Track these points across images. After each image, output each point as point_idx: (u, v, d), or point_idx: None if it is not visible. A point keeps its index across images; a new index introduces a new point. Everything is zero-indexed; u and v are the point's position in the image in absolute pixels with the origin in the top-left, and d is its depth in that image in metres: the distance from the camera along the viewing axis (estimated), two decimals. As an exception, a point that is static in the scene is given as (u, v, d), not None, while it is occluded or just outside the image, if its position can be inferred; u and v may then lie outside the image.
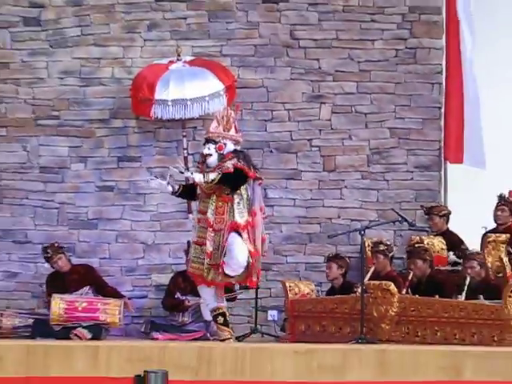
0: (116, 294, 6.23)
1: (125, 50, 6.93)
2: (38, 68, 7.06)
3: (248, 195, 5.16)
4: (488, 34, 7.97)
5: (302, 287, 6.32)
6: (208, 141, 5.04)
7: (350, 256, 6.29)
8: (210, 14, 7.09)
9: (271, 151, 6.96)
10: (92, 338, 5.80)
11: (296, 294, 6.30)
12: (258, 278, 5.43)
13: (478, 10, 7.84)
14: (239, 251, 4.95)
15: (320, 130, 7.02)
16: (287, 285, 6.30)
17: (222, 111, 5.28)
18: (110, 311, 6.01)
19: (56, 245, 6.38)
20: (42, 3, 7.08)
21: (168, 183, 5.22)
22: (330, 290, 6.51)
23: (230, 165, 4.89)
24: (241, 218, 5.09)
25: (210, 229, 5.00)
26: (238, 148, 5.13)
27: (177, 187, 5.26)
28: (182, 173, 5.20)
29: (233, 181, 4.97)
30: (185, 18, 7.08)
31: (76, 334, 5.82)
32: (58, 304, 5.95)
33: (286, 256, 6.81)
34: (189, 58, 6.65)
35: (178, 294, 6.37)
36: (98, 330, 5.92)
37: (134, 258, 6.91)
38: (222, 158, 4.95)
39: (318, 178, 7.04)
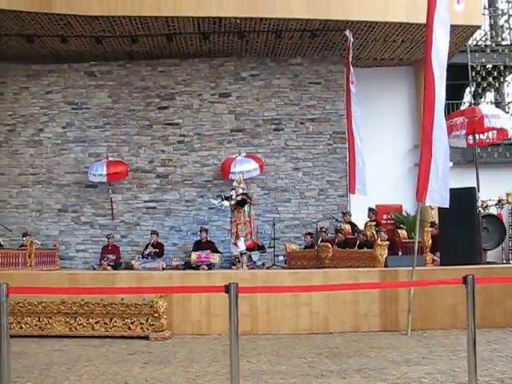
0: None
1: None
2: None
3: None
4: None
5: (293, 246, 12.94)
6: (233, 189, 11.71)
7: (313, 233, 12.98)
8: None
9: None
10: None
11: (290, 248, 12.40)
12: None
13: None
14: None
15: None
16: (286, 245, 12.32)
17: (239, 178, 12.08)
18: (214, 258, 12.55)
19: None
20: None
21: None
22: (305, 247, 12.40)
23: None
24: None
25: None
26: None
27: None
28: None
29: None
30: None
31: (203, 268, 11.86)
32: (195, 255, 12.51)
33: (286, 233, 13.86)
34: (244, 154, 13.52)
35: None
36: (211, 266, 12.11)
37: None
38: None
39: (302, 201, 13.97)
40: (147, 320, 8.49)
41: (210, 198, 13.33)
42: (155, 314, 8.44)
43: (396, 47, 14.58)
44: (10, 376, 4.92)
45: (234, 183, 12.07)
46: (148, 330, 8.48)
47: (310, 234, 12.52)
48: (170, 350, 7.69)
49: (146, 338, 8.40)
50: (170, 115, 14.51)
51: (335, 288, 8.42)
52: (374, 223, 12.04)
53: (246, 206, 11.68)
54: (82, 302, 8.59)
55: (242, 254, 11.51)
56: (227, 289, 4.54)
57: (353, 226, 12.60)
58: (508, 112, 18.43)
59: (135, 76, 14.60)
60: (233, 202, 11.60)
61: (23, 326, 8.70)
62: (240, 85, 14.55)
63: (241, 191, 11.73)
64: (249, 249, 12.24)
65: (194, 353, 7.43)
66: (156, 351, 7.57)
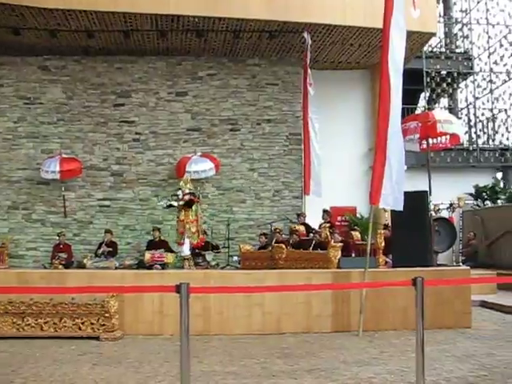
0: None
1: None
2: None
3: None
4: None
5: (247, 246, 12.86)
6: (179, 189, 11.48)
7: (267, 233, 12.96)
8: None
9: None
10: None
11: (245, 249, 12.19)
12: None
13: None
14: None
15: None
16: (241, 245, 12.18)
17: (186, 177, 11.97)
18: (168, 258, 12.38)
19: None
20: None
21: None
22: (260, 248, 12.19)
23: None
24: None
25: None
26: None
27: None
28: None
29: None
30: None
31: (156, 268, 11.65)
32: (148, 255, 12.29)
33: (240, 234, 13.86)
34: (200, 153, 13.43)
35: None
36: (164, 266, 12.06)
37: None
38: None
39: (257, 202, 14.00)
40: (98, 320, 8.35)
41: (158, 202, 13.16)
42: (106, 314, 8.30)
43: (353, 51, 14.76)
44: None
45: (181, 183, 11.99)
46: (99, 330, 8.34)
47: (264, 234, 12.50)
48: (121, 350, 7.58)
49: (97, 338, 8.26)
50: (126, 113, 14.34)
51: (288, 289, 8.43)
52: (328, 225, 12.08)
53: (194, 205, 11.62)
54: (31, 302, 8.39)
55: (185, 258, 11.45)
56: (178, 289, 4.48)
57: (307, 227, 12.64)
58: (461, 118, 18.91)
59: (91, 72, 14.38)
60: (181, 203, 11.53)
61: (-32, 326, 8.46)
62: (197, 84, 14.49)
63: (187, 191, 11.69)
64: (200, 248, 12.27)
65: (145, 353, 7.34)
66: (106, 352, 7.45)
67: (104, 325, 8.34)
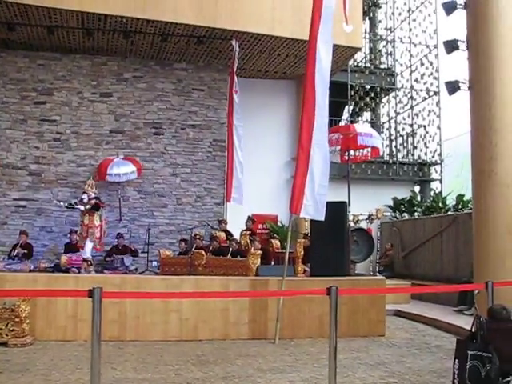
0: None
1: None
2: None
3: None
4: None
5: (167, 252, 12.73)
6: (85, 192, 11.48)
7: (187, 239, 12.86)
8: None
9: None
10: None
11: (164, 254, 11.99)
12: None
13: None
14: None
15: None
16: (160, 251, 11.97)
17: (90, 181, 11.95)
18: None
19: None
20: None
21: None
22: (179, 254, 12.16)
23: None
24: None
25: None
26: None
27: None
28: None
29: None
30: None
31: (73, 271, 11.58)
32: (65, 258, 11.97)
33: (161, 239, 13.72)
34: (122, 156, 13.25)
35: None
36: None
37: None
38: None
39: (178, 207, 13.85)
40: (7, 325, 8.04)
41: (56, 200, 12.90)
42: (16, 319, 8.02)
43: (280, 61, 14.92)
44: None
45: (86, 186, 11.86)
46: (7, 335, 8.03)
47: (184, 240, 12.43)
48: (31, 357, 7.35)
49: (5, 344, 7.95)
50: (47, 111, 13.92)
51: (205, 296, 8.40)
52: (248, 232, 12.20)
53: (99, 210, 11.55)
54: None
55: (85, 259, 11.27)
56: (91, 293, 4.38)
57: (228, 233, 12.67)
58: (382, 132, 19.45)
59: (10, 66, 13.87)
60: (87, 207, 11.39)
61: None
62: (122, 85, 14.26)
63: (93, 195, 11.57)
64: (119, 252, 12.45)
65: (56, 360, 7.15)
66: (15, 359, 7.20)
67: (13, 330, 8.05)
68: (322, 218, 8.62)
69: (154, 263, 12.33)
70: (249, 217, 13.00)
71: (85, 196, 11.50)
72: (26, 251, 12.17)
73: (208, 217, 14.02)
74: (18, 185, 13.60)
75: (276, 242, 11.75)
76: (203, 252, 10.94)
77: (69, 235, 12.58)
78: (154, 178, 14.09)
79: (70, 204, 11.90)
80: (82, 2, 12.07)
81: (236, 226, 12.93)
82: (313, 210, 8.60)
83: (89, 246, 11.32)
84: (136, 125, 14.18)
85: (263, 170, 15.37)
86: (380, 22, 21.54)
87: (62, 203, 12.20)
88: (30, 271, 11.14)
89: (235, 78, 13.47)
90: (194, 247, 11.47)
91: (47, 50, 14.03)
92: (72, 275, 9.93)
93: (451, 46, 10.64)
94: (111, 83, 14.23)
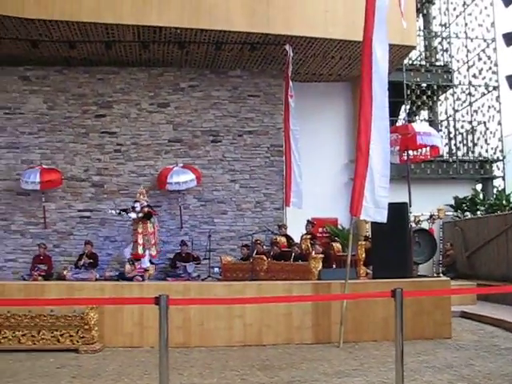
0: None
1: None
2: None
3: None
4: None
5: (228, 258, 12.83)
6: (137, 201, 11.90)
7: (248, 245, 12.91)
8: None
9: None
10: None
11: (226, 260, 12.01)
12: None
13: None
14: None
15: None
16: (222, 257, 12.04)
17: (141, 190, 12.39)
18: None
19: None
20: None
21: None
22: (241, 259, 12.14)
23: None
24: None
25: None
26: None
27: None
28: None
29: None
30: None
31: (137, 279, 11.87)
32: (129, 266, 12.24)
33: (221, 245, 13.84)
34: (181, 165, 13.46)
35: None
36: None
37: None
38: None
39: (238, 213, 14.01)
40: (77, 332, 8.29)
41: (109, 209, 13.15)
42: (86, 326, 8.26)
43: (334, 63, 14.84)
44: None
45: (138, 195, 12.20)
46: (78, 342, 8.27)
47: (245, 246, 12.46)
48: (101, 363, 7.54)
49: (76, 350, 8.19)
50: (107, 123, 14.28)
51: (269, 300, 8.43)
52: (309, 236, 12.14)
53: (152, 217, 11.87)
54: (9, 314, 8.30)
55: (145, 269, 11.45)
56: (157, 301, 4.47)
57: (288, 238, 12.66)
58: (441, 130, 19.09)
59: (72, 82, 14.30)
60: (140, 215, 11.64)
61: None
62: (179, 95, 14.46)
63: (145, 203, 11.81)
64: (181, 259, 12.41)
65: (124, 366, 7.31)
66: (85, 364, 7.39)
67: (83, 337, 8.27)
68: (384, 220, 8.54)
69: (216, 269, 12.46)
70: (308, 221, 12.93)
71: (137, 204, 11.82)
72: (91, 261, 12.51)
73: (268, 222, 14.03)
74: (82, 196, 13.97)
75: (337, 245, 11.68)
76: (264, 257, 10.97)
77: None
78: (213, 185, 14.22)
79: (122, 211, 12.14)
80: (138, 17, 12.34)
81: (296, 230, 12.86)
82: (373, 212, 8.53)
83: (147, 255, 11.57)
84: (194, 133, 14.35)
85: (321, 174, 15.29)
86: (434, 18, 21.17)
87: (114, 211, 12.48)
88: (96, 280, 11.46)
89: (290, 82, 13.50)
90: (255, 253, 11.48)
91: (106, 65, 14.38)
92: (137, 283, 10.14)
93: (511, 38, 10.40)
94: (168, 93, 14.46)
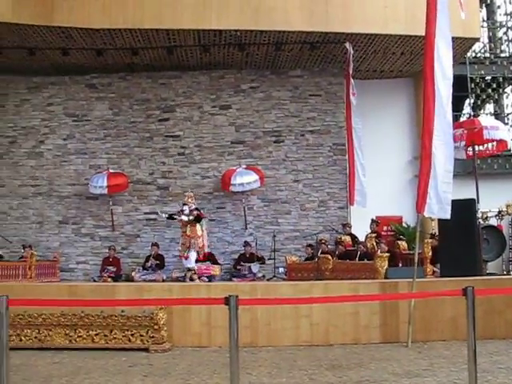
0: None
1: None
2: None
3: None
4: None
5: (293, 258, 12.85)
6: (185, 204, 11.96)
7: (313, 245, 12.97)
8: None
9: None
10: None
11: (291, 260, 12.28)
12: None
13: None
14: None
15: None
16: (287, 257, 12.25)
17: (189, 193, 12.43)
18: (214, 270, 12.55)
19: None
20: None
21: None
22: (306, 259, 12.44)
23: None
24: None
25: None
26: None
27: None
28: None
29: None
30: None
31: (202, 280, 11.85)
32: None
33: (286, 245, 13.88)
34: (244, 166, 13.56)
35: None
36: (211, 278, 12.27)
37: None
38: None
39: (302, 213, 14.01)
40: (147, 332, 8.45)
41: (159, 211, 13.32)
42: (155, 326, 8.42)
43: (395, 59, 14.64)
44: (9, 388, 4.91)
45: (186, 198, 12.29)
46: (148, 342, 8.43)
47: (310, 245, 12.51)
48: (170, 362, 7.67)
49: (146, 350, 8.36)
50: (171, 127, 14.55)
51: (335, 300, 8.35)
52: (374, 235, 12.06)
53: (201, 220, 12.01)
54: (82, 314, 8.55)
55: (189, 269, 11.57)
56: (227, 301, 4.53)
57: (353, 237, 12.62)
58: (507, 123, 18.51)
59: (136, 88, 14.65)
60: (191, 218, 11.75)
61: (23, 338, 8.64)
62: (240, 97, 14.61)
63: (194, 206, 11.92)
64: (245, 260, 12.46)
65: (194, 365, 7.40)
66: (156, 363, 7.53)
67: (153, 337, 8.43)
68: (448, 217, 8.33)
69: (281, 269, 12.53)
70: (373, 219, 12.82)
71: (185, 208, 11.92)
72: (158, 262, 12.79)
73: (332, 221, 13.99)
74: (148, 199, 14.28)
75: (403, 244, 11.55)
76: (329, 257, 10.95)
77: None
78: (277, 185, 14.28)
79: (172, 215, 12.31)
80: (198, 21, 12.53)
81: (360, 229, 12.81)
82: (437, 208, 8.32)
83: (193, 255, 11.73)
84: (256, 134, 14.45)
85: (385, 171, 15.01)
86: (499, 7, 20.54)
87: (163, 214, 12.67)
88: (163, 281, 11.68)
89: (351, 80, 13.40)
90: (320, 252, 11.50)
91: (168, 70, 14.67)
92: (204, 284, 10.30)
93: None
94: (229, 95, 14.62)
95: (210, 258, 12.81)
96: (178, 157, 14.45)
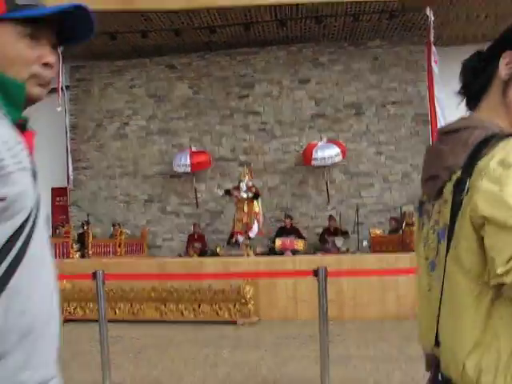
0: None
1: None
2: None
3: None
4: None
5: (377, 231, 12.69)
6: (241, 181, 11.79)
7: (397, 217, 12.79)
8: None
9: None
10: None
11: (375, 234, 12.57)
12: None
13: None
14: None
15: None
16: (371, 230, 12.10)
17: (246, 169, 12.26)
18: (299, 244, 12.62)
19: None
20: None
21: None
22: (390, 232, 12.26)
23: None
24: None
25: None
26: None
27: None
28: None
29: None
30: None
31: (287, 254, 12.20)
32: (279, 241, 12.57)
33: (369, 218, 13.75)
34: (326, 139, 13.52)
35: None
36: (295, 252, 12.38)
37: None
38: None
39: (385, 186, 13.85)
40: (234, 306, 8.64)
41: (217, 189, 13.54)
42: (242, 300, 8.59)
43: (479, 23, 14.04)
44: (109, 358, 5.16)
45: (242, 174, 12.12)
46: (235, 315, 8.62)
47: (394, 218, 12.35)
48: (258, 334, 7.82)
49: (234, 323, 8.55)
50: (251, 104, 14.62)
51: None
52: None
53: (258, 197, 11.92)
54: (172, 289, 8.83)
55: (246, 245, 11.56)
56: (316, 273, 4.56)
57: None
58: None
59: (214, 66, 14.79)
60: (250, 194, 11.66)
61: (117, 311, 9.04)
62: (319, 70, 14.46)
63: (250, 184, 11.82)
64: (330, 234, 12.40)
65: (281, 338, 7.52)
66: (244, 336, 7.70)
67: (240, 310, 8.61)
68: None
69: (365, 243, 12.45)
70: (460, 190, 12.45)
71: (242, 185, 11.86)
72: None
73: (416, 194, 13.68)
74: (231, 176, 14.43)
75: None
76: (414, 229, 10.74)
77: (283, 220, 13.12)
78: (359, 158, 14.11)
79: (228, 191, 12.33)
80: (275, -5, 12.44)
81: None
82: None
83: (254, 230, 11.66)
84: (336, 107, 14.31)
85: (470, 141, 14.56)
86: None
87: (220, 191, 12.71)
88: (248, 255, 11.83)
89: (433, 47, 12.97)
90: (404, 225, 11.32)
91: (245, 46, 14.68)
92: (289, 257, 10.38)
93: None
94: (308, 69, 14.50)
95: (294, 232, 12.87)
96: (259, 133, 14.52)
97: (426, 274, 1.46)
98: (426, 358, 1.56)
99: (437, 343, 1.33)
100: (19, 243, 1.12)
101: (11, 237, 1.12)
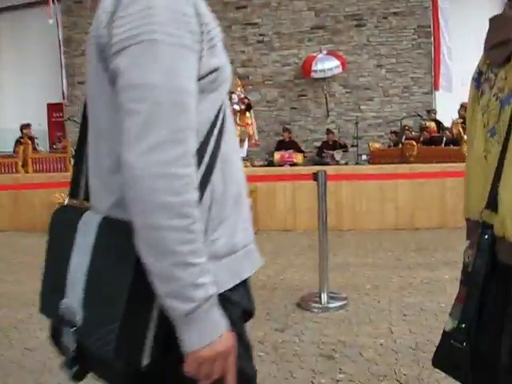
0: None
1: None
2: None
3: None
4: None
5: (377, 145, 12.72)
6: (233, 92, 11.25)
7: (397, 131, 12.65)
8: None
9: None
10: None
11: (374, 147, 12.73)
12: None
13: None
14: None
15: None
16: (370, 144, 12.22)
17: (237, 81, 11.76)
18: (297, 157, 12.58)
19: None
20: None
21: None
22: (389, 146, 12.32)
23: None
24: None
25: None
26: None
27: None
28: None
29: None
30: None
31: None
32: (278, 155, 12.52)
33: (369, 132, 13.66)
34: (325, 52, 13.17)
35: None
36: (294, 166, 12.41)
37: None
38: None
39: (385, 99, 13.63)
40: (233, 215, 8.65)
41: None
42: (240, 210, 8.58)
43: None
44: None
45: (234, 86, 11.81)
46: (235, 225, 8.64)
47: (394, 132, 12.28)
48: (257, 244, 7.85)
49: (233, 233, 8.59)
50: (249, 15, 14.22)
51: (422, 176, 8.25)
52: (461, 121, 11.57)
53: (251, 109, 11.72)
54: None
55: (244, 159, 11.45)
56: (316, 177, 4.52)
57: (438, 123, 12.22)
58: None
59: (212, -25, 14.24)
60: (242, 107, 11.45)
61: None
62: (320, -21, 14.01)
63: (242, 95, 11.61)
64: (327, 147, 12.38)
65: (279, 247, 7.58)
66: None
67: (238, 221, 8.63)
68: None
69: (364, 157, 12.42)
70: (461, 105, 12.24)
71: (234, 96, 11.64)
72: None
73: (416, 107, 13.54)
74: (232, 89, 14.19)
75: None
76: (414, 143, 10.72)
77: (282, 133, 13.03)
78: (359, 71, 13.87)
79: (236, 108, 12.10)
80: None
81: (445, 115, 12.32)
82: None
83: (245, 145, 11.57)
84: (336, 18, 13.94)
85: (473, 54, 14.11)
86: None
87: None
88: (246, 167, 11.79)
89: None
90: (404, 138, 11.28)
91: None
92: (288, 168, 10.33)
93: None
94: (308, -22, 14.04)
95: (293, 145, 12.82)
96: (258, 45, 14.20)
97: (484, 141, 1.52)
98: (468, 226, 1.73)
99: (490, 206, 1.43)
100: (221, 114, 1.19)
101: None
